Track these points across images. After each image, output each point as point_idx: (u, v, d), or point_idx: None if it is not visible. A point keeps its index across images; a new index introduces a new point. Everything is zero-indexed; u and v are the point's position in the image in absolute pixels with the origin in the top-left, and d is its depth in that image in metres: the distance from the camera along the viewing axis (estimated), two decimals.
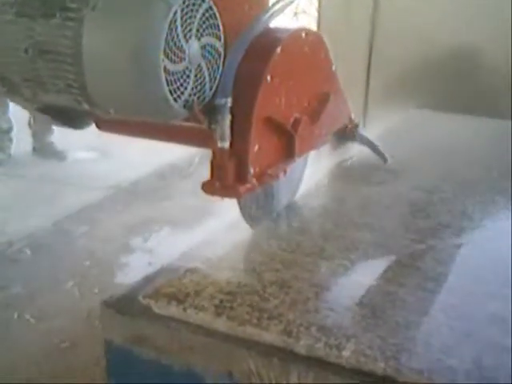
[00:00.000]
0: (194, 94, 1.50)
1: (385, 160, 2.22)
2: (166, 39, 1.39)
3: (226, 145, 1.53)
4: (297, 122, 1.73)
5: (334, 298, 1.55)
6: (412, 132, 2.98)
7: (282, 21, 1.75)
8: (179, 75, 1.44)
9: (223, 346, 1.39)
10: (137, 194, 4.09)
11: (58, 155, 4.75)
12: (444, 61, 3.59)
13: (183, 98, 1.47)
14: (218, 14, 1.51)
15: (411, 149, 2.63)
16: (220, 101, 1.51)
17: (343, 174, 2.43)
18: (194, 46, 1.46)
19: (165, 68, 1.40)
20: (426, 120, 3.18)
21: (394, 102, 3.49)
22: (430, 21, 3.62)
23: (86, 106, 1.49)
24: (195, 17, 1.45)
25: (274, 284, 1.58)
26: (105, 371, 1.54)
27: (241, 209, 1.82)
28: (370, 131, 3.36)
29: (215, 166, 1.56)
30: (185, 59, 1.44)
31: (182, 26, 1.42)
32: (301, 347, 1.35)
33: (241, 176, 1.58)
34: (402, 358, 1.32)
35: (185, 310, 1.44)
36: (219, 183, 1.57)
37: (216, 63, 1.54)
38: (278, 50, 1.62)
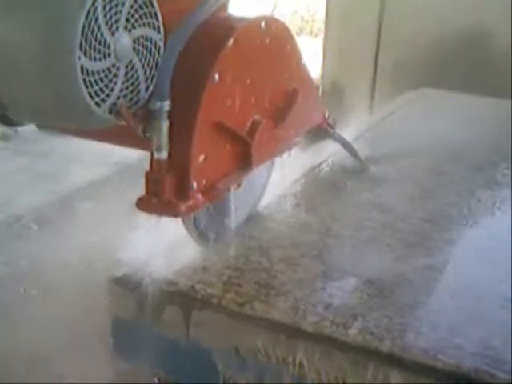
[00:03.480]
0: (125, 97, 1.28)
1: (362, 164, 2.08)
2: (83, 32, 1.16)
3: (164, 155, 1.32)
4: (254, 127, 1.52)
5: (340, 276, 1.55)
6: (420, 110, 2.96)
7: None
8: (103, 75, 1.22)
9: (230, 322, 1.39)
10: (143, 170, 4.07)
11: None
12: (454, 40, 3.56)
13: (109, 101, 1.25)
14: (155, 1, 1.29)
15: (417, 128, 2.62)
16: (155, 104, 1.30)
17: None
18: (122, 40, 1.24)
19: (82, 67, 1.17)
20: (433, 99, 3.15)
21: (403, 82, 3.47)
22: (441, 1, 3.59)
23: None
24: (123, 4, 1.23)
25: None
26: (111, 347, 1.55)
27: (185, 224, 1.53)
28: (378, 110, 3.36)
29: (151, 180, 1.35)
30: (110, 55, 1.22)
31: (104, 15, 1.19)
32: (308, 325, 1.36)
33: (181, 191, 1.37)
34: (409, 337, 1.32)
35: (193, 285, 1.45)
36: (156, 199, 1.35)
37: (154, 59, 1.33)
38: (229, 42, 1.39)
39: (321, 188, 2.04)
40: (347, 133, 2.52)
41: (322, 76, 4.10)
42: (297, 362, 1.35)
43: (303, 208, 1.88)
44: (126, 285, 1.48)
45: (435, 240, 1.72)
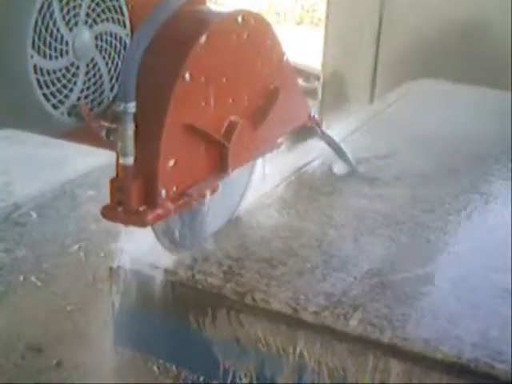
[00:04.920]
0: (86, 98, 1.19)
1: (350, 165, 1.99)
2: (36, 28, 1.06)
3: (129, 161, 1.22)
4: (231, 128, 1.42)
5: (341, 266, 1.55)
6: (420, 101, 2.95)
7: None
8: (60, 74, 1.12)
9: (231, 312, 1.39)
10: None
11: None
12: (455, 31, 3.55)
13: (68, 103, 1.16)
14: None
15: (417, 119, 2.61)
16: (119, 106, 1.19)
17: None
18: (82, 36, 1.14)
19: (36, 66, 1.08)
20: (433, 89, 3.15)
21: (404, 72, 3.46)
22: None
23: None
24: None
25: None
26: (111, 335, 1.55)
27: (155, 232, 1.42)
28: (378, 99, 3.35)
29: (116, 187, 1.24)
30: (68, 53, 1.13)
31: (61, 9, 1.09)
32: (308, 315, 1.36)
33: (149, 199, 1.26)
34: (409, 328, 1.33)
35: (193, 275, 1.45)
36: (122, 208, 1.25)
37: (119, 57, 1.25)
38: (202, 39, 1.29)
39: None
40: (347, 124, 2.52)
41: (323, 65, 4.09)
42: (297, 352, 1.35)
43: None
44: (127, 274, 1.48)
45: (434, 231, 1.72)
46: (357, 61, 3.87)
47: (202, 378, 1.48)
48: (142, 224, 1.28)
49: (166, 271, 1.46)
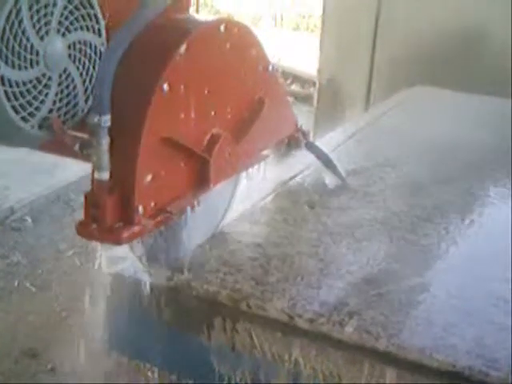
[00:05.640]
0: (59, 110, 1.15)
1: (340, 177, 1.94)
2: (4, 37, 1.02)
3: (105, 176, 1.16)
4: (213, 141, 1.37)
5: (337, 273, 1.55)
6: (415, 109, 2.96)
7: None
8: (30, 86, 1.08)
9: (226, 318, 1.39)
10: None
11: None
12: (451, 38, 3.56)
13: (39, 115, 1.12)
14: (95, 1, 1.16)
15: (416, 127, 2.61)
16: (93, 119, 1.13)
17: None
18: (54, 45, 1.10)
19: (3, 78, 1.04)
20: (430, 97, 3.16)
21: (399, 79, 3.47)
22: None
23: None
24: (55, 5, 1.08)
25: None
26: (106, 342, 1.55)
27: (132, 248, 1.39)
28: (374, 106, 3.36)
29: (90, 203, 1.18)
30: (38, 63, 1.08)
31: (31, 17, 1.04)
32: (304, 322, 1.35)
33: (125, 216, 1.20)
34: (405, 336, 1.33)
35: (188, 282, 1.44)
36: (97, 225, 1.19)
37: (95, 67, 1.21)
38: (182, 48, 1.23)
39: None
40: (342, 131, 2.52)
41: (319, 71, 4.10)
42: (292, 359, 1.35)
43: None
44: (122, 279, 1.48)
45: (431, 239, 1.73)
46: (353, 67, 3.89)
47: None
48: (117, 242, 1.23)
49: (162, 277, 1.46)
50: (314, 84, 4.40)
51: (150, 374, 1.53)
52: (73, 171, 3.68)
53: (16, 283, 2.85)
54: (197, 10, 5.06)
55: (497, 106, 2.96)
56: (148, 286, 1.44)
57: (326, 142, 2.27)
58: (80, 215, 3.46)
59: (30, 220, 3.29)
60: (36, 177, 3.58)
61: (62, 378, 2.32)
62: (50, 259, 3.00)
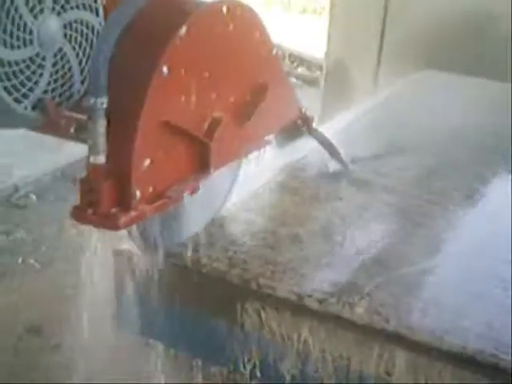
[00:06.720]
0: (53, 91, 1.12)
1: (342, 162, 1.92)
2: None
3: (100, 159, 1.12)
4: (214, 125, 1.33)
5: (346, 254, 1.54)
6: (423, 93, 2.94)
7: None
8: (23, 66, 1.05)
9: (236, 297, 1.39)
10: None
11: None
12: (460, 22, 3.53)
13: (32, 96, 1.08)
14: None
15: (420, 110, 2.59)
16: (89, 101, 1.08)
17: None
18: (48, 24, 1.07)
19: None
20: (437, 81, 3.13)
21: (408, 62, 3.44)
22: None
23: None
24: None
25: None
26: (114, 318, 1.54)
27: (129, 232, 1.37)
28: (382, 90, 3.33)
29: (85, 188, 1.15)
30: (32, 42, 1.05)
31: None
32: (313, 302, 1.35)
33: (122, 201, 1.17)
34: (414, 318, 1.32)
35: (198, 260, 1.44)
36: (93, 210, 1.15)
37: (92, 47, 1.17)
38: (182, 30, 1.19)
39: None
40: (348, 115, 2.50)
41: (326, 54, 4.06)
42: (301, 339, 1.34)
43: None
44: (130, 257, 1.47)
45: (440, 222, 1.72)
46: (360, 50, 3.85)
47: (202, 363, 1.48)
48: (115, 227, 1.18)
49: (171, 255, 1.45)
50: (321, 67, 4.37)
51: (155, 351, 1.53)
52: (78, 148, 3.67)
53: (20, 260, 2.84)
54: None
55: (504, 91, 2.94)
56: (156, 262, 1.42)
57: (332, 126, 2.25)
58: None
59: (34, 197, 3.28)
60: (41, 153, 3.56)
61: (66, 354, 2.32)
62: (53, 237, 2.99)
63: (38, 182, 3.35)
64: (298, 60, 6.16)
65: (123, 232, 1.49)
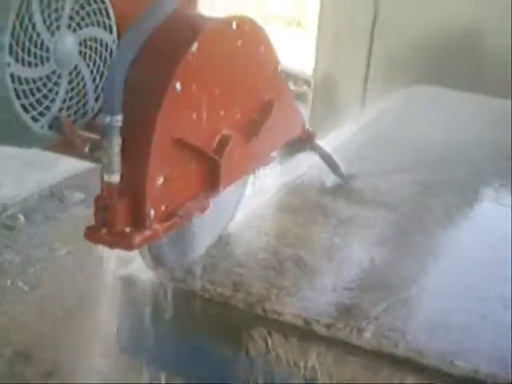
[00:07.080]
0: (69, 109, 1.11)
1: (342, 177, 1.93)
2: (14, 32, 0.98)
3: (115, 178, 1.12)
4: (223, 142, 1.33)
5: (350, 276, 1.52)
6: (413, 108, 2.94)
7: None
8: (40, 83, 1.04)
9: (241, 322, 1.36)
10: None
11: None
12: (450, 37, 3.55)
13: (49, 115, 1.07)
14: None
15: (412, 125, 2.59)
16: (104, 119, 1.09)
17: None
18: (65, 41, 1.06)
19: (13, 75, 0.99)
20: (427, 96, 3.14)
21: (397, 77, 3.45)
22: None
23: None
24: None
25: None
26: (115, 342, 1.51)
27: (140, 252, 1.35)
28: (371, 105, 3.34)
29: (99, 207, 1.13)
30: (49, 60, 1.04)
31: (42, 11, 1.01)
32: (321, 327, 1.32)
33: (137, 220, 1.16)
34: (422, 341, 1.30)
35: (203, 285, 1.41)
36: (107, 229, 1.14)
37: (105, 64, 1.16)
38: (194, 46, 1.19)
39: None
40: (339, 132, 2.49)
41: (314, 69, 4.06)
42: (308, 365, 1.32)
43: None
44: (132, 282, 1.43)
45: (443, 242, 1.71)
46: (349, 65, 3.86)
47: None
48: (129, 247, 1.17)
49: (174, 279, 1.42)
50: (307, 82, 4.37)
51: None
52: (68, 167, 3.62)
53: (9, 282, 2.79)
54: None
55: (495, 106, 2.95)
56: (158, 289, 1.40)
57: (325, 143, 2.24)
58: (74, 212, 3.42)
59: (22, 218, 3.23)
60: (29, 172, 3.52)
61: (57, 381, 2.28)
62: (42, 258, 2.95)
63: (26, 201, 3.31)
64: (284, 74, 6.17)
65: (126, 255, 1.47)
